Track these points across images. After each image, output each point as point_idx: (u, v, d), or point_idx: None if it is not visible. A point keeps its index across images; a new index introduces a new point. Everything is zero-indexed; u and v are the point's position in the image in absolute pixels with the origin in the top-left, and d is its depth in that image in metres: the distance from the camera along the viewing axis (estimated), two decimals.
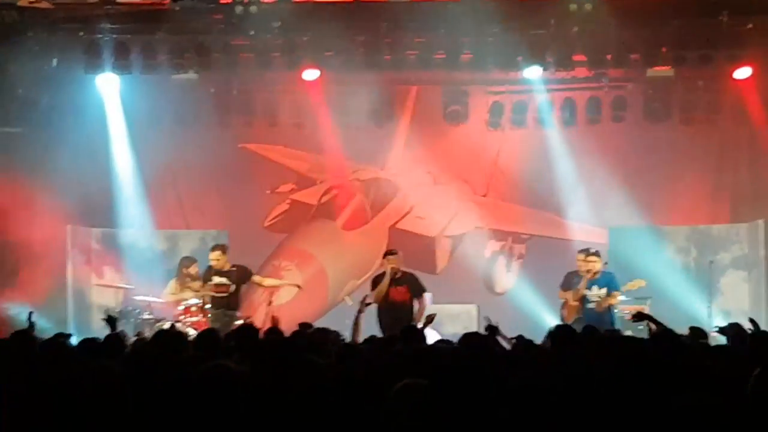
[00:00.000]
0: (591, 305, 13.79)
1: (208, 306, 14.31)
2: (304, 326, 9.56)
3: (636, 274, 14.91)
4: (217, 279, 14.32)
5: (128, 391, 4.79)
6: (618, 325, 13.56)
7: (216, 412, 5.05)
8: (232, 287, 14.35)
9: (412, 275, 13.70)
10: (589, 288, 13.86)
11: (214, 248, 14.67)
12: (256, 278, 14.91)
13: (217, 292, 14.28)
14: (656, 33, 14.77)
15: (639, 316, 10.12)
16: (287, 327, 9.42)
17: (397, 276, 13.49)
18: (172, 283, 15.08)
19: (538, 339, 8.16)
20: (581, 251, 14.21)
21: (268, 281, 14.48)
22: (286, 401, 5.88)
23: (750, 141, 15.86)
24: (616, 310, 14.09)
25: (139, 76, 15.67)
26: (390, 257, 13.64)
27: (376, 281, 13.72)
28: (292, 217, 17.72)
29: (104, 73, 15.65)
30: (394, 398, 4.96)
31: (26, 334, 8.68)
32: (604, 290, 13.80)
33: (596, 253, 14.08)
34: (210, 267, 14.45)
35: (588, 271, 13.90)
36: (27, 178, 15.32)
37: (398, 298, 13.42)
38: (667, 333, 6.55)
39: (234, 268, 14.42)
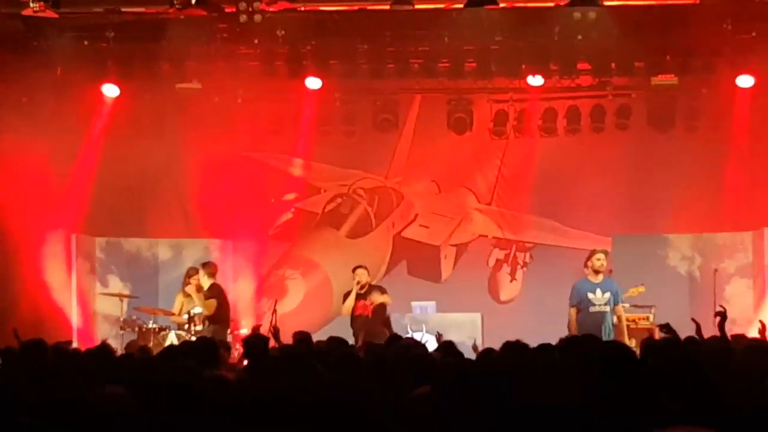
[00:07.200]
0: (594, 309, 13.49)
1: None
2: (302, 335, 9.52)
3: (640, 283, 14.76)
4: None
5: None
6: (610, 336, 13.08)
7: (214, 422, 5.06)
8: None
9: (378, 287, 14.21)
10: (593, 291, 13.61)
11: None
12: None
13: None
14: (660, 41, 14.77)
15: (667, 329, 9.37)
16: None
17: (363, 291, 13.86)
18: (179, 297, 15.10)
19: None
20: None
21: None
22: (291, 410, 5.89)
23: (753, 149, 15.84)
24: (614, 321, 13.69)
25: (143, 85, 15.70)
26: (358, 271, 14.02)
27: (345, 296, 14.29)
28: (297, 225, 17.73)
29: (108, 82, 15.70)
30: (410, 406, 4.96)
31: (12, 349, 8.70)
32: (607, 295, 13.54)
33: (602, 252, 13.85)
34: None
35: (595, 271, 13.56)
36: (31, 186, 15.32)
37: (359, 311, 13.89)
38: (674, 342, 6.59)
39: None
